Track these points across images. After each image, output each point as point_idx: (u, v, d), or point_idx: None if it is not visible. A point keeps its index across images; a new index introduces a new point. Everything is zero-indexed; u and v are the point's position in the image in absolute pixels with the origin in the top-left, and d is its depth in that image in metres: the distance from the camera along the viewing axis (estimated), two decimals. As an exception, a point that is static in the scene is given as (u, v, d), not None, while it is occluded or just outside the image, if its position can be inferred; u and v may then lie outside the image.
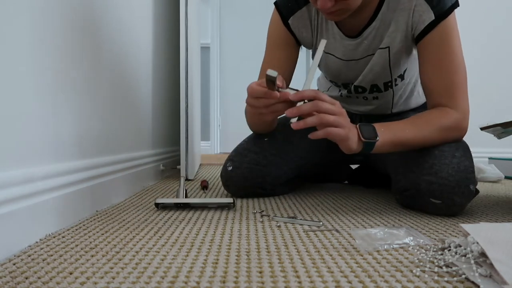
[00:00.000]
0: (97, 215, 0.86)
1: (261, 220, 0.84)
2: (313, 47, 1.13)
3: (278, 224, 0.80)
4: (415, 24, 0.95)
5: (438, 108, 0.94)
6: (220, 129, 4.05)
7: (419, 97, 1.21)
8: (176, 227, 0.76)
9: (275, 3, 1.11)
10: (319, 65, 1.18)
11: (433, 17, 0.91)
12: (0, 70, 0.58)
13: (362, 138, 0.84)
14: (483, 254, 0.51)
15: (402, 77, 1.09)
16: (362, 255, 0.60)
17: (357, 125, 0.86)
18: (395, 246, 0.64)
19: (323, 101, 0.79)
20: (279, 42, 1.12)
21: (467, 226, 0.56)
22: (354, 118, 1.26)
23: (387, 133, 0.87)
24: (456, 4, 0.92)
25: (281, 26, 1.10)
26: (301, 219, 0.83)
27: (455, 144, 0.92)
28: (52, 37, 0.73)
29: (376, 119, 1.22)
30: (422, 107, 1.22)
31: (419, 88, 1.19)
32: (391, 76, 1.06)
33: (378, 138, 0.85)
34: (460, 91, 0.92)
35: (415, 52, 1.04)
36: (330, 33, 1.06)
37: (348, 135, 0.82)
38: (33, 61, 0.67)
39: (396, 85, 1.10)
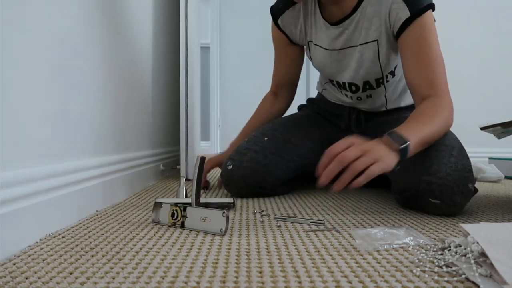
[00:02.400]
0: (97, 215, 0.86)
1: (261, 220, 0.84)
2: (305, 42, 1.19)
3: (278, 224, 0.80)
4: (393, 22, 0.99)
5: (429, 100, 0.94)
6: (220, 129, 4.05)
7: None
8: (176, 227, 0.76)
9: (270, 8, 1.22)
10: (311, 61, 1.23)
11: (408, 14, 0.96)
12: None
13: (397, 147, 0.79)
14: (483, 254, 0.51)
15: (393, 73, 1.12)
16: (362, 255, 0.60)
17: (383, 138, 0.81)
18: (395, 246, 0.64)
19: (343, 153, 0.74)
20: (278, 43, 1.24)
21: (467, 226, 0.56)
22: (351, 113, 1.26)
23: (412, 135, 0.82)
24: (431, 5, 0.96)
25: (275, 28, 1.21)
26: (301, 219, 0.83)
27: (450, 143, 0.92)
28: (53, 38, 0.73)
29: (374, 115, 1.24)
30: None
31: None
32: (382, 72, 1.09)
33: (409, 141, 0.81)
34: (443, 81, 0.96)
35: None
36: (318, 25, 1.12)
37: (384, 160, 0.77)
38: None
39: (387, 81, 1.13)
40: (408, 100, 1.22)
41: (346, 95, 1.21)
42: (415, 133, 0.84)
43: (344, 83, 1.16)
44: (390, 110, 1.23)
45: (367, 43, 1.05)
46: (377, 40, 1.04)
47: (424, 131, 0.86)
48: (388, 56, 1.06)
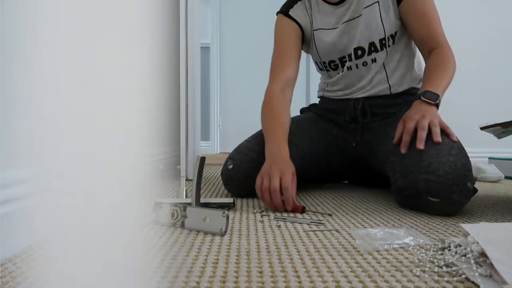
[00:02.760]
0: (97, 215, 0.86)
1: (261, 220, 0.84)
2: (311, 32, 1.25)
3: (278, 224, 0.80)
4: None
5: (436, 52, 1.11)
6: (220, 129, 4.05)
7: (415, 77, 1.26)
8: (176, 227, 0.76)
9: (277, 13, 1.28)
10: (317, 51, 1.25)
11: None
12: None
13: (435, 102, 0.98)
14: (483, 254, 0.51)
15: (393, 38, 1.18)
16: (362, 255, 0.60)
17: (423, 98, 0.99)
18: (395, 246, 0.64)
19: (421, 124, 0.93)
20: (288, 35, 1.26)
21: (467, 226, 0.56)
22: (356, 104, 1.25)
23: (439, 88, 1.02)
24: None
25: (285, 20, 1.26)
26: (302, 219, 0.83)
27: (449, 142, 0.92)
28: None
29: (378, 102, 1.24)
30: (417, 90, 1.26)
31: (413, 71, 1.25)
32: (384, 32, 1.17)
33: (439, 94, 1.00)
34: (443, 34, 1.14)
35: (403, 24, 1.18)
36: (322, 10, 1.22)
37: (435, 115, 0.96)
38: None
39: (389, 46, 1.19)
40: (411, 81, 1.24)
41: (350, 67, 1.24)
42: (441, 85, 1.03)
43: (351, 53, 1.21)
44: (393, 94, 1.23)
45: (369, 6, 1.16)
46: (378, 2, 1.15)
47: (444, 80, 1.05)
48: (388, 15, 1.16)
